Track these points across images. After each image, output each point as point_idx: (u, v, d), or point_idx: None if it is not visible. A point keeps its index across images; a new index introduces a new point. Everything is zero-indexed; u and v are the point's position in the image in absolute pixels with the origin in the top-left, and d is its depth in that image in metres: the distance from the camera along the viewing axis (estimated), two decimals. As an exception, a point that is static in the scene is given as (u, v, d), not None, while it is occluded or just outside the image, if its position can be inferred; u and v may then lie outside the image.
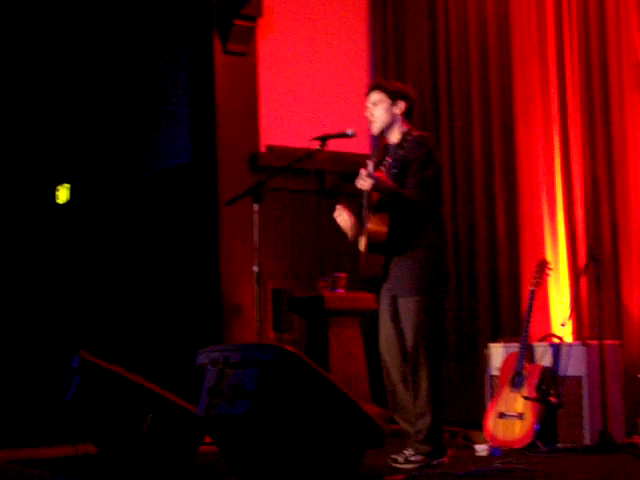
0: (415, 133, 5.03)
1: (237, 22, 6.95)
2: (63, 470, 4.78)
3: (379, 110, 5.05)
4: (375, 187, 4.79)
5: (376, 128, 5.09)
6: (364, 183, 4.80)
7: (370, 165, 4.85)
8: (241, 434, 3.94)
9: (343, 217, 5.09)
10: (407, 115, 5.07)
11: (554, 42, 6.51)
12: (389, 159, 4.96)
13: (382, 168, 4.94)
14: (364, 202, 4.99)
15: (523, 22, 6.70)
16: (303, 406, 3.85)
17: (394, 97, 5.04)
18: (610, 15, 6.16)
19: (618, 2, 6.11)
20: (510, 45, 6.80)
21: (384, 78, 7.35)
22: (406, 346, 4.92)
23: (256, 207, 5.04)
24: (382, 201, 4.83)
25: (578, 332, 6.13)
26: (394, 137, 5.08)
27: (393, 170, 4.95)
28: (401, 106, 5.04)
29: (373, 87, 5.11)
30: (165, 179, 7.78)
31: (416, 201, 4.82)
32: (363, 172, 4.81)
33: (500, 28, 6.89)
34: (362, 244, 4.98)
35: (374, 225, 4.84)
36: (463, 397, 6.84)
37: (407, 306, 4.89)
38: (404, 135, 5.03)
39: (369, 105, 5.09)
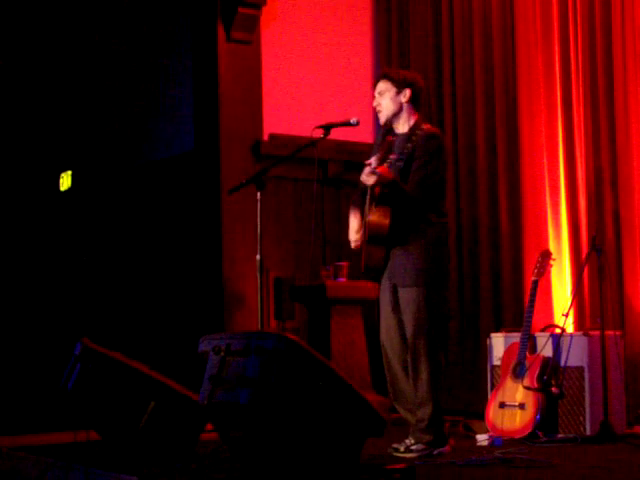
0: (425, 127, 5.01)
1: (241, 10, 6.94)
2: (65, 456, 4.79)
3: (385, 99, 5.05)
4: (378, 182, 4.79)
5: (383, 117, 5.09)
6: (368, 178, 4.80)
7: (374, 160, 4.84)
8: (243, 422, 3.95)
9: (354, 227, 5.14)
10: (414, 102, 5.06)
11: (558, 31, 6.50)
12: (393, 156, 4.92)
13: (386, 164, 4.91)
14: (367, 195, 4.98)
15: (527, 10, 6.69)
16: (305, 394, 3.85)
17: (400, 85, 5.03)
18: (615, 3, 6.14)
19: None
20: (514, 34, 6.79)
21: (387, 66, 7.35)
22: (406, 336, 4.93)
23: (259, 195, 5.04)
24: (384, 194, 4.82)
25: (580, 322, 6.13)
26: (402, 127, 5.06)
27: (398, 163, 4.93)
28: (407, 94, 5.03)
29: (379, 77, 5.12)
30: (168, 167, 7.78)
31: (413, 196, 4.83)
32: (367, 168, 4.81)
33: (504, 17, 6.87)
34: (364, 235, 4.98)
35: (376, 217, 4.84)
36: (464, 387, 6.85)
37: (408, 296, 4.90)
38: (413, 127, 5.01)
39: (376, 95, 5.09)
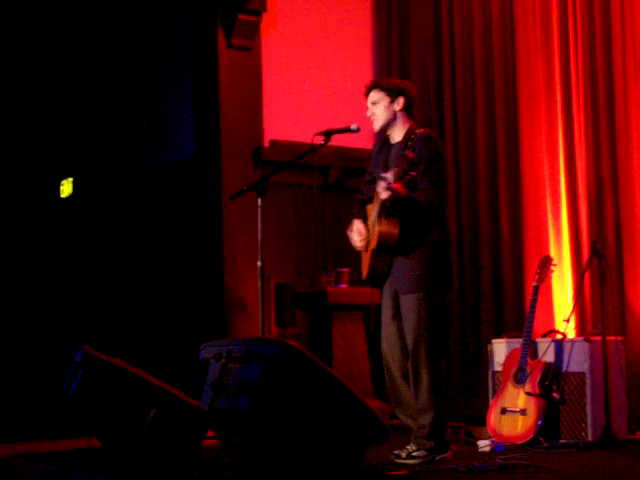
0: (419, 131, 5.01)
1: (241, 17, 6.95)
2: (67, 463, 4.79)
3: (379, 109, 5.05)
4: (391, 197, 4.79)
5: (377, 126, 5.08)
6: (382, 192, 4.80)
7: (390, 175, 4.81)
8: (244, 429, 3.95)
9: (359, 231, 5.10)
10: (407, 110, 5.07)
11: (558, 38, 6.50)
12: (413, 173, 4.89)
13: (401, 181, 4.87)
14: (375, 205, 4.99)
15: (528, 17, 6.69)
16: (306, 401, 3.85)
17: (393, 94, 5.03)
18: (615, 10, 6.15)
19: (623, -3, 6.11)
20: (514, 41, 6.79)
21: (387, 73, 7.38)
22: (407, 343, 4.93)
23: (259, 202, 5.05)
24: (393, 205, 4.82)
25: (581, 328, 6.13)
26: (397, 135, 5.07)
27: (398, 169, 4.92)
28: (400, 102, 5.03)
29: (371, 87, 5.11)
30: (169, 173, 7.78)
31: (428, 204, 4.83)
32: (383, 183, 4.79)
33: (504, 24, 6.88)
34: (371, 244, 4.98)
35: (386, 227, 4.86)
36: (466, 392, 6.85)
37: (409, 303, 4.90)
38: (407, 133, 5.01)
39: (369, 105, 5.09)
